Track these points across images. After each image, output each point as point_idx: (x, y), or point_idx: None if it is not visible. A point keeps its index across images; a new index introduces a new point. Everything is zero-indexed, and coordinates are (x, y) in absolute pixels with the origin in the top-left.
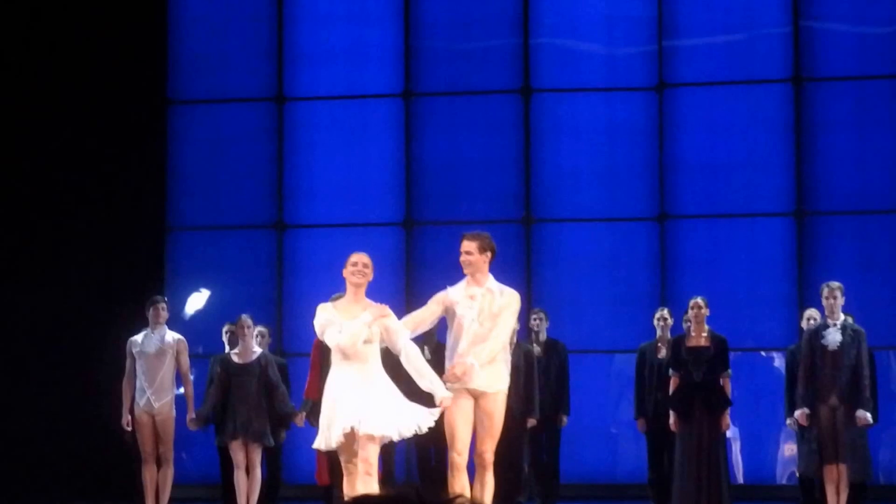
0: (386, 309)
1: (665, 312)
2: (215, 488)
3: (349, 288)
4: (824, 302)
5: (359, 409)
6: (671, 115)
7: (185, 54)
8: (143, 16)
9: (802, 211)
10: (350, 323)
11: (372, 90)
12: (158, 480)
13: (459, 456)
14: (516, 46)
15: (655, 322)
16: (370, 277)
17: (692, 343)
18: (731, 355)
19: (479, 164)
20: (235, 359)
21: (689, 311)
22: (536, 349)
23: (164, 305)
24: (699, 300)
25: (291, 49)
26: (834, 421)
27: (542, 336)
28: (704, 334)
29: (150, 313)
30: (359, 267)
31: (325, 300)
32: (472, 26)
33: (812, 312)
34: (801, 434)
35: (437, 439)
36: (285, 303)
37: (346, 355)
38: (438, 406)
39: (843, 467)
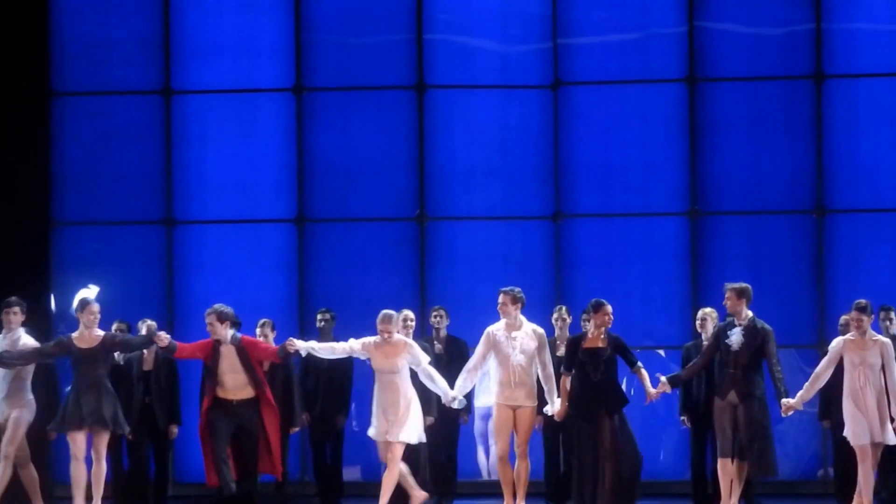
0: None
1: (563, 311)
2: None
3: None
4: (726, 302)
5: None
6: (566, 113)
7: (69, 45)
8: (25, 5)
9: (696, 210)
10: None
11: (262, 84)
12: (25, 482)
13: (502, 451)
14: (410, 42)
15: (553, 321)
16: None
17: (589, 344)
18: None
19: (372, 161)
20: (78, 343)
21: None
22: (437, 346)
23: (18, 309)
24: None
25: (179, 41)
26: (734, 417)
27: (443, 333)
28: (602, 336)
29: (2, 317)
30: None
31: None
32: (364, 21)
33: (706, 312)
34: (695, 431)
35: (333, 437)
36: (176, 299)
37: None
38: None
39: (738, 463)
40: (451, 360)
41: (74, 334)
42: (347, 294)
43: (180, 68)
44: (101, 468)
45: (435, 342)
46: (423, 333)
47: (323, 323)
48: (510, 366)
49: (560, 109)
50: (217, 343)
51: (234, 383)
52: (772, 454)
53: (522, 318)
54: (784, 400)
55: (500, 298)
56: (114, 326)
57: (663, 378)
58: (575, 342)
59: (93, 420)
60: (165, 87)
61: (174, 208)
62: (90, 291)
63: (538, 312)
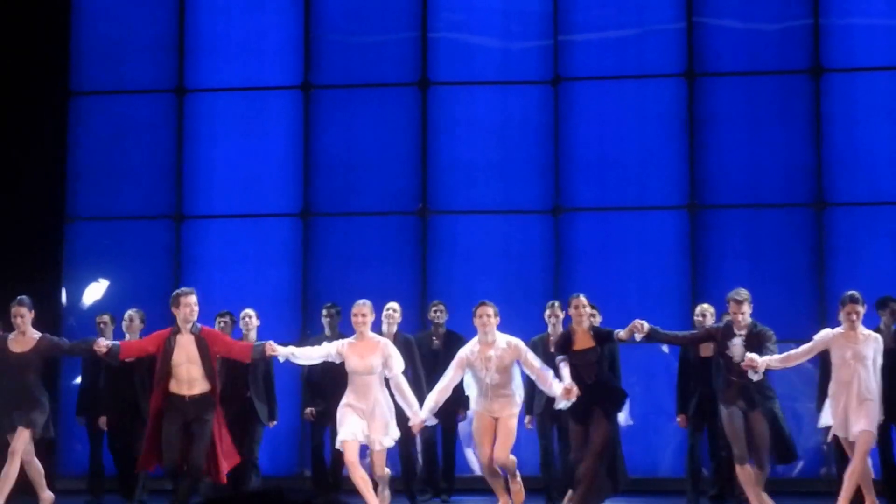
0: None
1: (556, 308)
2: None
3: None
4: (731, 315)
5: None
6: (566, 108)
7: (88, 45)
8: (46, 6)
9: (695, 204)
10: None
11: (271, 82)
12: None
13: (486, 458)
14: (414, 40)
15: (547, 318)
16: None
17: (579, 346)
18: (626, 347)
19: (376, 156)
20: (10, 346)
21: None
22: (436, 342)
23: None
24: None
25: (192, 40)
26: (745, 422)
27: (442, 329)
28: (588, 334)
29: None
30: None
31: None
32: (370, 19)
33: (705, 307)
34: (691, 428)
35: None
36: None
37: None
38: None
39: (749, 468)
40: (450, 355)
41: (11, 335)
42: (350, 287)
43: (192, 67)
44: (14, 468)
45: (433, 337)
46: (422, 327)
47: (328, 318)
48: (485, 385)
49: (560, 105)
50: (174, 333)
51: (189, 376)
52: (791, 441)
53: (497, 332)
54: (752, 354)
55: (481, 310)
56: (98, 318)
57: (646, 324)
58: (565, 337)
59: (20, 423)
60: (178, 86)
61: (184, 203)
62: (100, 286)
63: (538, 306)
